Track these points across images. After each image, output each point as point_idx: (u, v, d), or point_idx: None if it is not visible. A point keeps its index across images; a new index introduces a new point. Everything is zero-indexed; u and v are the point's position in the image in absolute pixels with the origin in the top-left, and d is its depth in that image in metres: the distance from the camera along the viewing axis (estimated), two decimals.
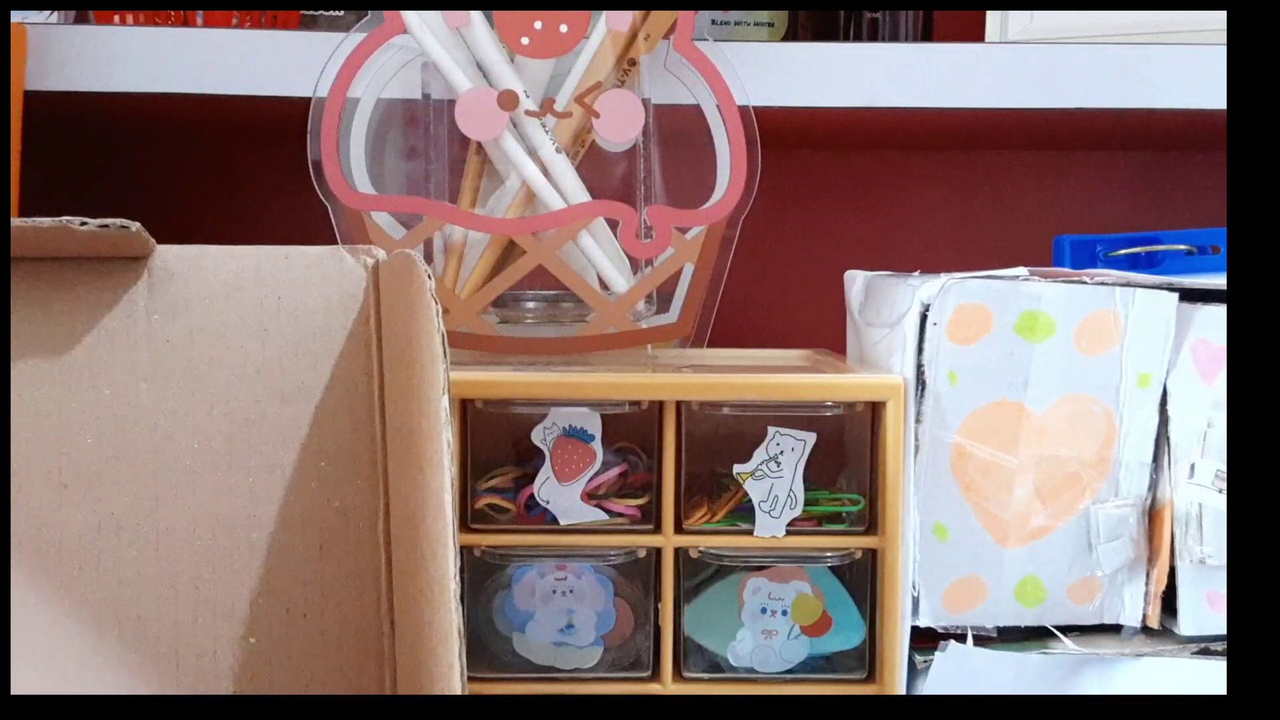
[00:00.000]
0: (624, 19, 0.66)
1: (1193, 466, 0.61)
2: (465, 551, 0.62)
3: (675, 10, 0.67)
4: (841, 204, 0.94)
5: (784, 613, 0.63)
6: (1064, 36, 0.72)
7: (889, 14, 0.83)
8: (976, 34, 0.74)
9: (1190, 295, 0.62)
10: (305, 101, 0.67)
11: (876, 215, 0.94)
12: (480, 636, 0.63)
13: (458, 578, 0.49)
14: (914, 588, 0.62)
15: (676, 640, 0.63)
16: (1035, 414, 0.61)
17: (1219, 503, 0.60)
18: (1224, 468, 0.61)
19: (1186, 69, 0.70)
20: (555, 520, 0.62)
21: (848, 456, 0.64)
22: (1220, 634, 0.62)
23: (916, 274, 0.65)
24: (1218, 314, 0.61)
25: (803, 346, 0.79)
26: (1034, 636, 0.63)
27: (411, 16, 0.65)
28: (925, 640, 0.62)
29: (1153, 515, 0.62)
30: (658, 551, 0.62)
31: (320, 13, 0.78)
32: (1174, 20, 0.72)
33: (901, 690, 0.62)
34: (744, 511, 0.62)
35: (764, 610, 0.63)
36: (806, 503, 0.62)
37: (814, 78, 0.71)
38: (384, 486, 0.56)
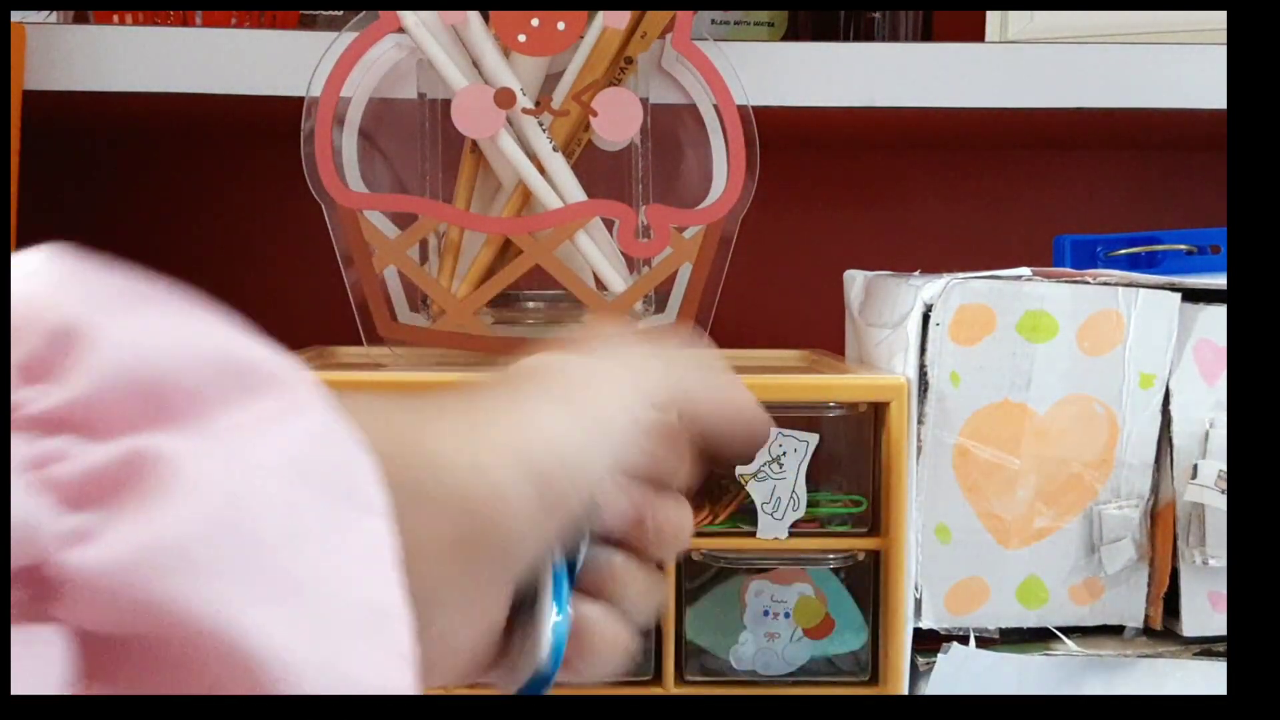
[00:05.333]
0: (622, 17, 0.66)
1: (1195, 467, 0.60)
2: None
3: (674, 10, 0.66)
4: (840, 204, 0.94)
5: (786, 615, 0.63)
6: (1064, 36, 0.72)
7: (889, 14, 0.83)
8: (976, 34, 0.74)
9: (1193, 295, 0.62)
10: (303, 101, 0.66)
11: (876, 215, 0.94)
12: None
13: None
14: (916, 589, 0.61)
15: (678, 644, 0.63)
16: (1038, 414, 0.61)
17: (1221, 504, 0.60)
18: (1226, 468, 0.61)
19: (1186, 69, 0.70)
20: None
21: (850, 457, 0.64)
22: (1223, 635, 0.62)
23: (917, 274, 0.65)
24: (1220, 314, 0.61)
25: (799, 347, 0.79)
26: (1036, 638, 0.63)
27: (408, 15, 0.65)
28: (928, 642, 0.62)
29: (1155, 516, 0.62)
30: None
31: (319, 12, 0.77)
32: (1174, 20, 0.71)
33: (904, 692, 0.61)
34: (746, 513, 0.62)
35: (766, 613, 0.63)
36: (808, 504, 0.62)
37: (814, 78, 0.70)
38: None
